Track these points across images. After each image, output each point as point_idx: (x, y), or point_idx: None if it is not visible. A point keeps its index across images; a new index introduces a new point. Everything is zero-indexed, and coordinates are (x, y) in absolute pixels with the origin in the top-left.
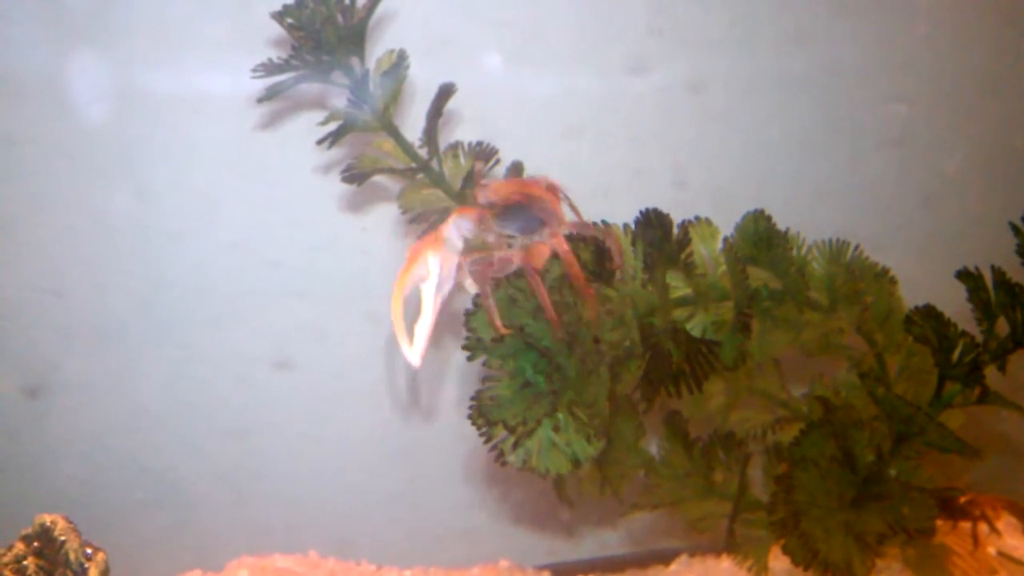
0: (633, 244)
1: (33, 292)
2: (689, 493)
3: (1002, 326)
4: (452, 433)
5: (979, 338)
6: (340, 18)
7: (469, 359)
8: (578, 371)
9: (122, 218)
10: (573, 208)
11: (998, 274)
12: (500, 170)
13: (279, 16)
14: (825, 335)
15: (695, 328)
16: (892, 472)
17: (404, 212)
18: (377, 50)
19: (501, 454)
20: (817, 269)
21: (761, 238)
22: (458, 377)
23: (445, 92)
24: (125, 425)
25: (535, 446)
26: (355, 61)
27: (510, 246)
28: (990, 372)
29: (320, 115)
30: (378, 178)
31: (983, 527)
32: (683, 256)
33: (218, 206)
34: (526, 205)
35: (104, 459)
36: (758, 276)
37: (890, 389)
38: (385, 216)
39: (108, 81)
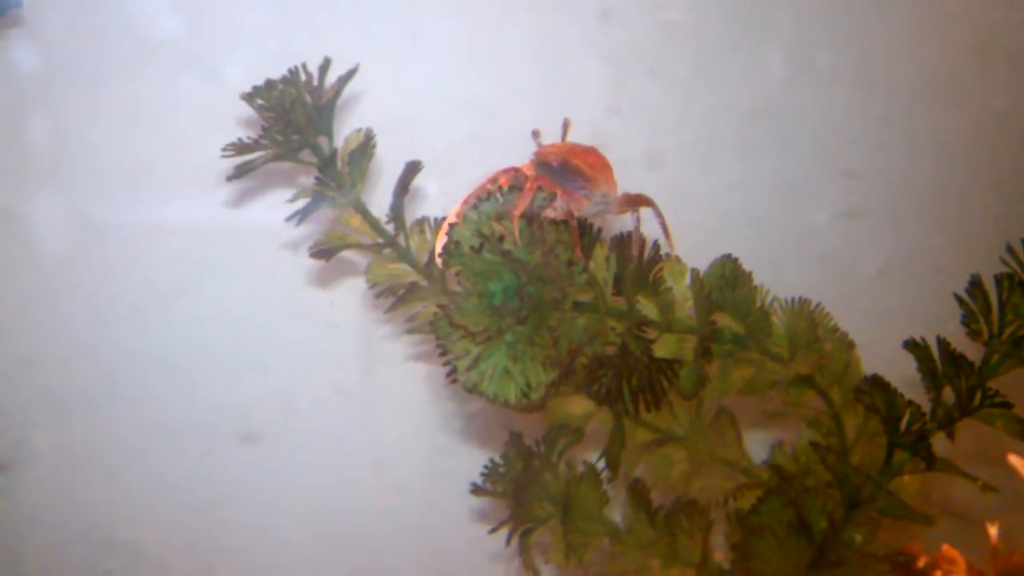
0: (607, 260)
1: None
2: (653, 561)
3: (950, 394)
4: (421, 505)
5: (927, 406)
6: (309, 98)
7: (444, 263)
8: (547, 304)
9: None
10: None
11: (943, 345)
12: None
13: (249, 97)
14: (785, 388)
15: (662, 349)
16: (846, 538)
17: (371, 286)
18: (345, 129)
19: (454, 371)
20: (777, 322)
21: (727, 280)
22: (425, 452)
23: (411, 169)
24: (94, 497)
25: (489, 370)
26: (323, 140)
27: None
28: (941, 439)
29: (289, 192)
30: (346, 253)
31: None
32: (651, 276)
33: (185, 280)
34: (581, 169)
35: (73, 531)
36: (722, 320)
37: (845, 454)
38: (352, 290)
39: None
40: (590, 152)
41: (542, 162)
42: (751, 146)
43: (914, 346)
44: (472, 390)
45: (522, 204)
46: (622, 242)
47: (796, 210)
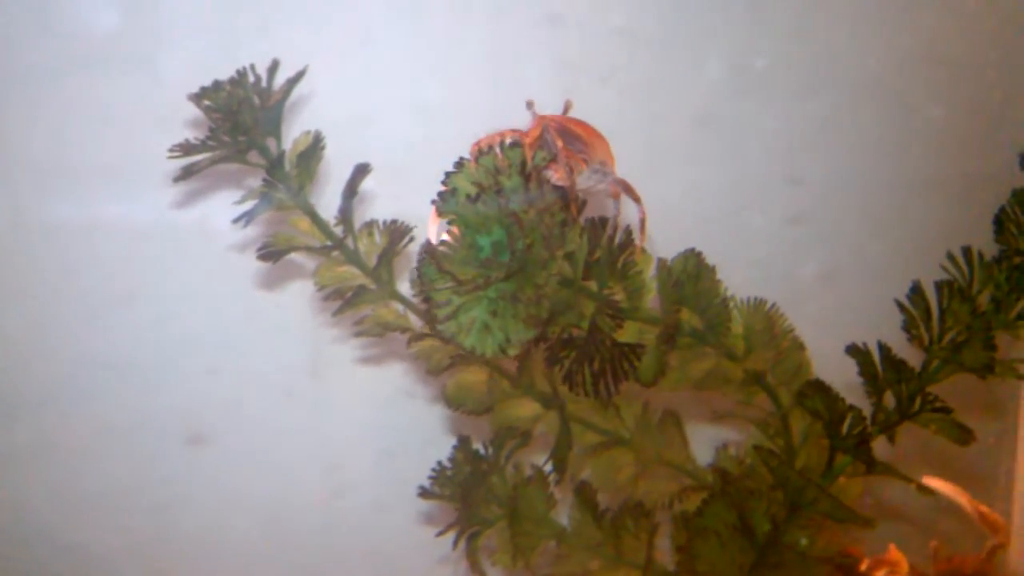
0: (579, 240)
1: None
2: (599, 563)
3: (891, 399)
4: (369, 507)
5: (868, 411)
6: (256, 100)
7: (439, 210)
8: (535, 262)
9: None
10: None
11: (884, 350)
12: (414, 247)
13: (196, 98)
14: (737, 387)
15: (624, 336)
16: (788, 541)
17: (319, 289)
18: (294, 130)
19: (435, 319)
20: (736, 317)
21: (690, 274)
22: (374, 454)
23: (360, 172)
24: (41, 500)
25: (468, 322)
26: (271, 142)
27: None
28: (882, 443)
29: (237, 194)
30: (294, 255)
31: None
32: (622, 261)
33: (133, 282)
34: (580, 136)
35: (23, 534)
36: (682, 314)
37: (791, 456)
38: (301, 293)
39: None
40: (588, 125)
41: (545, 124)
42: (699, 152)
43: (856, 351)
44: (450, 340)
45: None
46: (594, 225)
47: (742, 215)
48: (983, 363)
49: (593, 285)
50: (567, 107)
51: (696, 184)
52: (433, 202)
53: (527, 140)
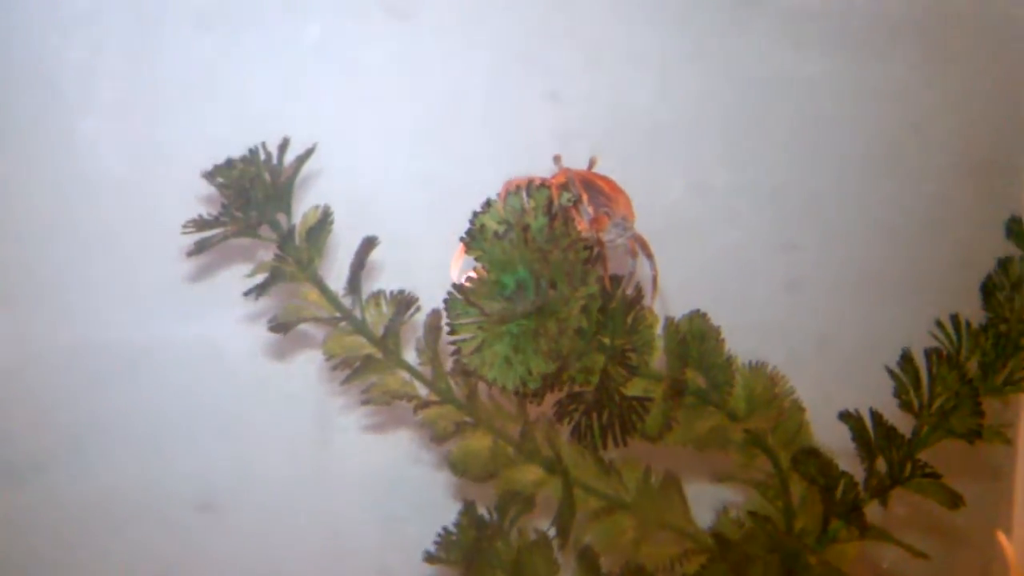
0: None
1: None
2: None
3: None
4: (376, 573)
5: (862, 476)
6: (267, 176)
7: (467, 247)
8: (558, 299)
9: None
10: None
11: (876, 416)
12: (420, 317)
13: (209, 176)
14: (739, 447)
15: (633, 389)
16: None
17: (328, 359)
18: (303, 205)
19: (459, 351)
20: (738, 379)
21: (695, 334)
22: (380, 520)
23: (368, 244)
24: (48, 563)
25: (491, 357)
26: (282, 216)
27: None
28: (876, 506)
29: (247, 267)
30: (303, 326)
31: None
32: (633, 315)
33: (146, 352)
34: (604, 190)
35: None
36: (688, 375)
37: (790, 519)
38: (309, 362)
39: None
40: (611, 180)
41: (570, 174)
42: (692, 222)
43: (848, 417)
44: (473, 373)
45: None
46: (607, 286)
47: (740, 284)
48: (971, 428)
49: (605, 338)
50: (592, 163)
51: (695, 250)
52: (461, 239)
53: (553, 183)
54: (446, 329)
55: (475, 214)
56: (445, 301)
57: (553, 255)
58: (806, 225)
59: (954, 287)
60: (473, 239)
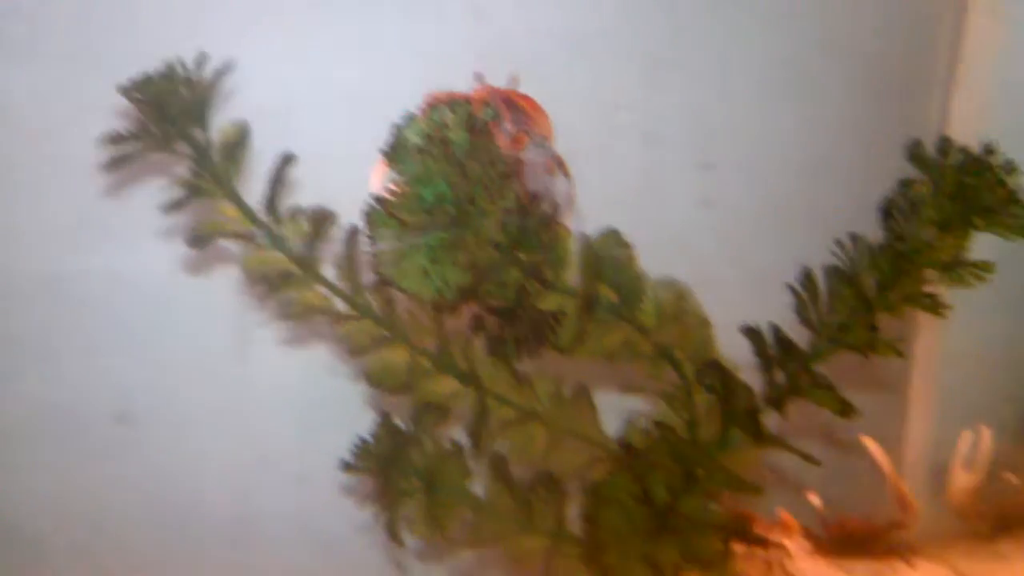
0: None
1: None
2: (512, 531)
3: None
4: (293, 481)
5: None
6: (184, 92)
7: (388, 159)
8: (476, 212)
9: None
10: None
11: (776, 330)
12: (338, 233)
13: (126, 91)
14: (648, 360)
15: (547, 304)
16: (685, 509)
17: (246, 274)
18: (222, 119)
19: (377, 263)
20: (649, 294)
21: (608, 251)
22: (298, 431)
23: (285, 160)
24: None
25: (409, 268)
26: (199, 132)
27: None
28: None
29: (165, 182)
30: (221, 241)
31: (776, 552)
32: (546, 235)
33: (65, 268)
34: (524, 109)
35: None
36: (600, 290)
37: (694, 429)
38: (227, 277)
39: None
40: (532, 99)
41: (492, 92)
42: (614, 139)
43: (749, 332)
44: (391, 283)
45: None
46: (524, 203)
47: (658, 200)
48: (865, 342)
49: (522, 254)
50: (513, 82)
51: (611, 168)
52: (382, 152)
53: (474, 99)
54: (365, 240)
55: (396, 128)
56: (365, 213)
57: (472, 170)
58: (721, 145)
59: (862, 208)
60: (394, 152)
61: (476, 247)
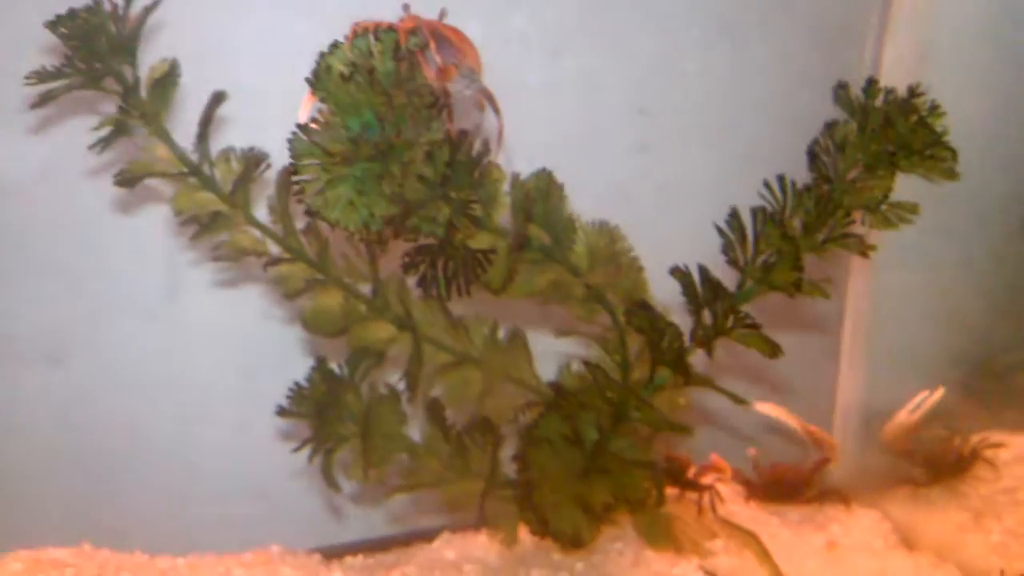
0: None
1: None
2: (447, 474)
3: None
4: (228, 426)
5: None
6: (112, 27)
7: (313, 87)
8: (403, 143)
9: None
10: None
11: (704, 272)
12: (269, 175)
13: (52, 25)
14: (580, 303)
15: (479, 243)
16: (614, 448)
17: (177, 214)
18: (150, 57)
19: (301, 191)
20: (581, 236)
21: (541, 192)
22: (233, 375)
23: (216, 99)
24: None
25: (335, 199)
26: (127, 69)
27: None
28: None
29: (94, 120)
30: (152, 181)
31: (707, 495)
32: (476, 172)
33: None
34: (452, 40)
35: None
36: (532, 230)
37: (626, 371)
38: (158, 217)
39: None
40: (460, 32)
41: (420, 22)
42: (553, 83)
43: (677, 273)
44: (316, 214)
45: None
46: (454, 138)
47: (594, 144)
48: (791, 282)
49: (452, 191)
50: (442, 14)
51: (547, 113)
52: (306, 80)
53: (401, 28)
54: (290, 170)
55: (321, 55)
56: (289, 141)
57: (398, 99)
58: (656, 91)
59: (795, 150)
60: (319, 80)
61: (403, 179)
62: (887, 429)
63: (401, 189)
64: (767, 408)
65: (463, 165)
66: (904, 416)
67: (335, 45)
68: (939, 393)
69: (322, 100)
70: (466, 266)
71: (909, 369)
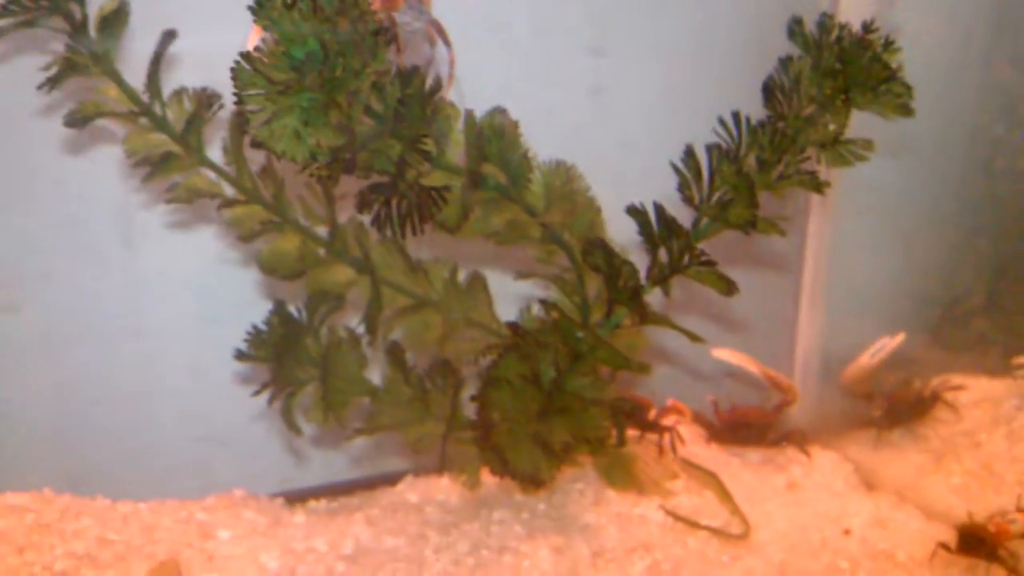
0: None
1: None
2: (409, 417)
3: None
4: (186, 371)
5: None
6: None
7: (255, 15)
8: (348, 73)
9: None
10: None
11: (660, 210)
12: (223, 115)
13: None
14: (537, 243)
15: (434, 181)
16: (571, 388)
17: (129, 156)
18: None
19: (246, 122)
20: (537, 177)
21: (495, 131)
22: (190, 320)
23: (167, 38)
24: None
25: (281, 129)
26: (75, 7)
27: None
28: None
29: (43, 60)
30: (104, 122)
31: (668, 437)
32: (431, 106)
33: None
34: None
35: None
36: (487, 169)
37: (586, 311)
38: (110, 159)
39: None
40: None
41: None
42: (503, 26)
43: (633, 211)
44: (262, 146)
45: None
46: (405, 72)
47: (547, 89)
48: (746, 220)
49: (403, 127)
50: None
51: (502, 55)
52: (248, 8)
53: None
54: (234, 100)
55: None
56: (232, 71)
57: (342, 26)
58: (612, 31)
59: (752, 88)
60: (261, 8)
61: (350, 110)
62: (847, 372)
63: (349, 120)
64: (725, 354)
65: (414, 99)
66: (865, 359)
67: None
68: (900, 338)
69: (265, 29)
70: (420, 204)
71: (869, 311)
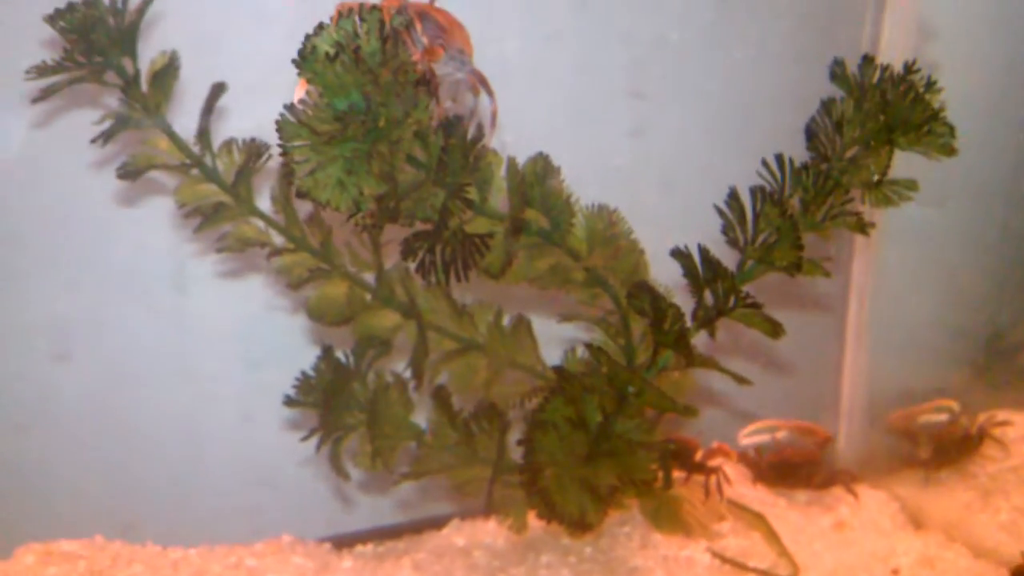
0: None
1: None
2: (455, 461)
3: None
4: (236, 416)
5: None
6: (111, 20)
7: (299, 68)
8: (391, 122)
9: None
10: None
11: (704, 253)
12: (271, 165)
13: (51, 19)
14: (580, 287)
15: (477, 228)
16: (619, 431)
17: (180, 206)
18: (150, 50)
19: (292, 173)
20: (579, 223)
21: (538, 176)
22: (240, 366)
23: (217, 90)
24: None
25: (324, 179)
26: (127, 61)
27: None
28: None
29: (95, 114)
30: (155, 174)
31: (714, 478)
32: (474, 154)
33: None
34: (439, 21)
35: None
36: (530, 214)
37: (631, 354)
38: (161, 210)
39: None
40: (448, 13)
41: (405, 2)
42: (544, 68)
43: (678, 254)
44: (307, 195)
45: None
46: (448, 122)
47: (589, 130)
48: (791, 261)
49: (447, 177)
50: None
51: (543, 98)
52: (292, 61)
53: (385, 7)
54: (280, 152)
55: (307, 36)
56: (277, 123)
57: (384, 77)
58: (651, 74)
59: (794, 129)
60: (305, 61)
61: (393, 158)
62: (895, 417)
63: (391, 168)
64: (751, 435)
65: (457, 149)
66: (925, 414)
67: (320, 26)
68: (956, 405)
69: (308, 81)
70: (463, 251)
71: (914, 349)
